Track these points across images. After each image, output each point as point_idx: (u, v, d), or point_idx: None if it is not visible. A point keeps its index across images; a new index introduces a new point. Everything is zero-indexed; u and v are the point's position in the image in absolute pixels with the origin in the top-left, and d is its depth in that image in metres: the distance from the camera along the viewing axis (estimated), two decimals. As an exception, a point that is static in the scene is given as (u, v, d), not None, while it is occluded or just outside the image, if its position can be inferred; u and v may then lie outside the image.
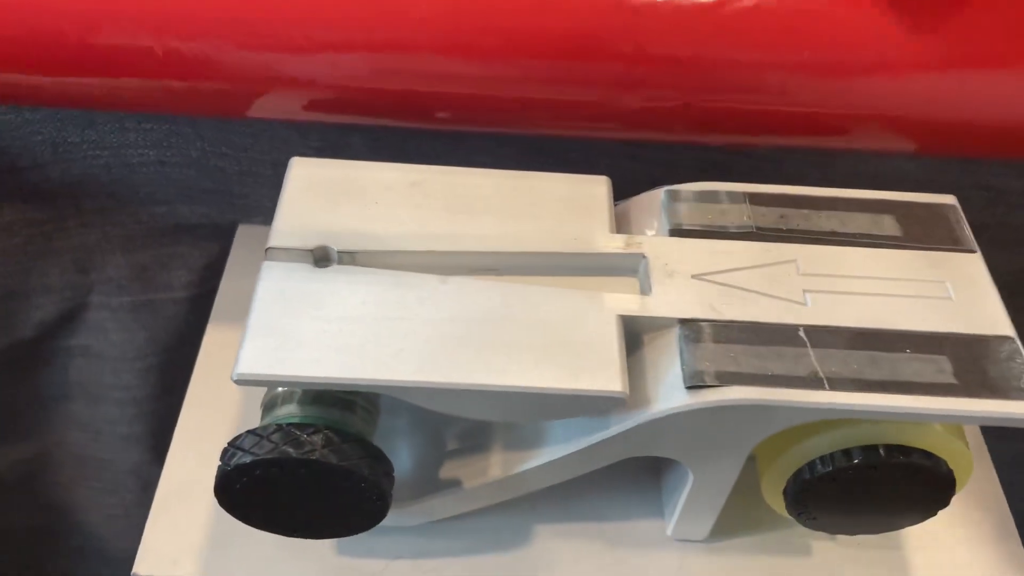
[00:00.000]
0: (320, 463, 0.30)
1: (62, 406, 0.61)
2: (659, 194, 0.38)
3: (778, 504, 0.36)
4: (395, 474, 0.36)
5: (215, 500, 0.32)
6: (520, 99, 0.40)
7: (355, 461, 0.31)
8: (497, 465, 0.35)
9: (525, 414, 0.32)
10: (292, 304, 0.32)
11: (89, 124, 0.44)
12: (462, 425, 0.37)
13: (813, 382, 0.31)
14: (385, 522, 0.36)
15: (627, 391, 0.31)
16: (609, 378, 0.31)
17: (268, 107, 0.41)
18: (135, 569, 0.36)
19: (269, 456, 0.30)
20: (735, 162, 0.44)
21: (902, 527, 0.37)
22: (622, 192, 0.39)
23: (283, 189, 0.36)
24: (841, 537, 0.39)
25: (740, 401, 0.31)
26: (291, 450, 0.30)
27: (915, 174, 0.45)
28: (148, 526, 0.38)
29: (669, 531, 0.38)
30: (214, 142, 0.45)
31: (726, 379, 0.31)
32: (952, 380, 0.31)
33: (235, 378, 0.30)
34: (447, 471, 0.37)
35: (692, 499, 0.36)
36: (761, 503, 0.37)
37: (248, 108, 0.41)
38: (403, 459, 0.38)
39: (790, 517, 0.36)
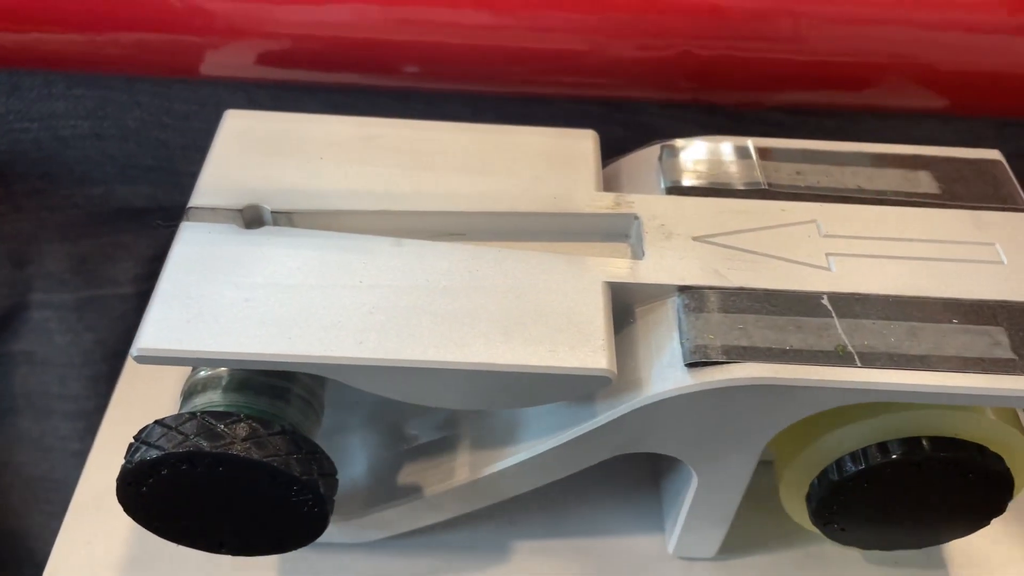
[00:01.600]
0: (240, 459, 0.25)
1: (7, 421, 0.56)
2: (654, 151, 0.32)
3: (799, 513, 0.30)
4: (346, 481, 0.31)
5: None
6: (497, 48, 0.35)
7: (284, 457, 0.25)
8: (464, 467, 0.30)
9: (492, 399, 0.26)
10: (212, 270, 0.27)
11: (12, 90, 0.39)
12: (423, 422, 0.32)
13: (841, 358, 0.26)
14: (335, 538, 0.31)
15: (614, 369, 0.25)
16: (592, 353, 0.25)
17: (214, 60, 0.36)
18: (38, 593, 0.31)
19: (178, 450, 0.25)
20: (742, 127, 0.39)
21: (947, 540, 0.31)
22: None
23: (213, 143, 0.31)
24: (874, 554, 0.33)
25: (752, 380, 0.25)
26: (205, 443, 0.25)
27: (947, 141, 0.40)
28: (57, 543, 0.32)
29: (671, 548, 0.33)
30: (153, 110, 0.40)
31: (735, 355, 0.25)
32: (1010, 355, 0.26)
33: (135, 354, 0.25)
34: (406, 476, 0.31)
35: (697, 507, 0.30)
36: (779, 513, 0.31)
37: (191, 61, 0.36)
38: (355, 463, 0.32)
39: (814, 529, 0.30)
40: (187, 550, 0.29)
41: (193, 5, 0.35)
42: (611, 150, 0.34)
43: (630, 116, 0.40)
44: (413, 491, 0.30)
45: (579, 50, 0.35)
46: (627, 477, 0.35)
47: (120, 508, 0.28)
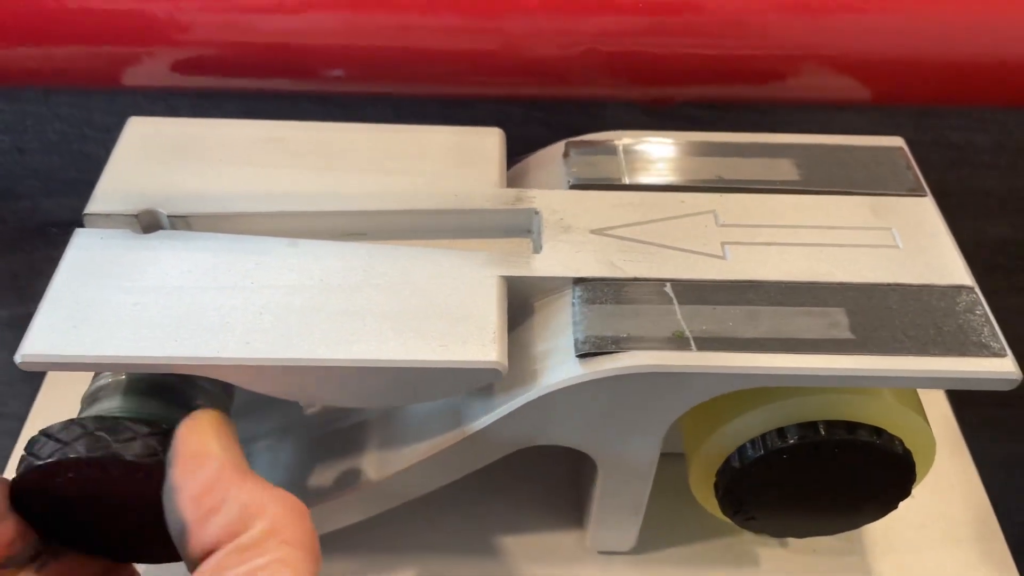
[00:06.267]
0: (118, 460, 0.24)
1: (-48, 443, 0.55)
2: (560, 147, 0.32)
3: (711, 503, 0.30)
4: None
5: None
6: (409, 49, 0.35)
7: (161, 456, 0.25)
8: (371, 468, 0.29)
9: (386, 397, 0.26)
10: (102, 275, 0.27)
11: (-69, 107, 0.39)
12: (333, 425, 0.32)
13: (737, 343, 0.26)
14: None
15: (505, 362, 0.25)
16: (482, 347, 0.25)
17: (133, 71, 0.36)
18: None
19: (51, 460, 0.24)
20: (660, 124, 0.39)
21: (859, 525, 0.31)
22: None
23: (114, 149, 0.31)
24: (793, 542, 0.34)
25: (640, 368, 0.25)
26: (82, 448, 0.24)
27: (865, 131, 0.40)
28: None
29: (588, 541, 0.33)
30: (73, 122, 0.40)
31: (625, 344, 0.26)
32: (901, 337, 0.26)
33: (19, 360, 0.25)
34: (316, 480, 0.31)
35: (606, 499, 0.30)
36: (698, 507, 0.31)
37: (107, 71, 0.36)
38: (272, 468, 0.32)
39: (728, 520, 0.30)
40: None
41: (110, 10, 0.35)
42: (531, 150, 0.34)
43: (551, 116, 0.40)
44: (321, 495, 0.30)
45: (489, 49, 0.35)
46: (547, 474, 0.35)
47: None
